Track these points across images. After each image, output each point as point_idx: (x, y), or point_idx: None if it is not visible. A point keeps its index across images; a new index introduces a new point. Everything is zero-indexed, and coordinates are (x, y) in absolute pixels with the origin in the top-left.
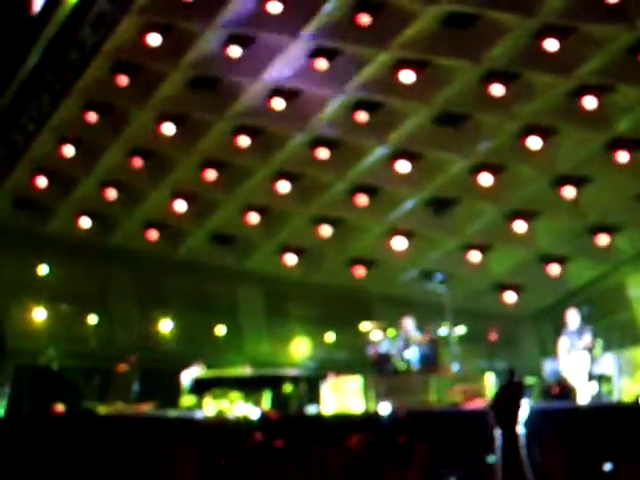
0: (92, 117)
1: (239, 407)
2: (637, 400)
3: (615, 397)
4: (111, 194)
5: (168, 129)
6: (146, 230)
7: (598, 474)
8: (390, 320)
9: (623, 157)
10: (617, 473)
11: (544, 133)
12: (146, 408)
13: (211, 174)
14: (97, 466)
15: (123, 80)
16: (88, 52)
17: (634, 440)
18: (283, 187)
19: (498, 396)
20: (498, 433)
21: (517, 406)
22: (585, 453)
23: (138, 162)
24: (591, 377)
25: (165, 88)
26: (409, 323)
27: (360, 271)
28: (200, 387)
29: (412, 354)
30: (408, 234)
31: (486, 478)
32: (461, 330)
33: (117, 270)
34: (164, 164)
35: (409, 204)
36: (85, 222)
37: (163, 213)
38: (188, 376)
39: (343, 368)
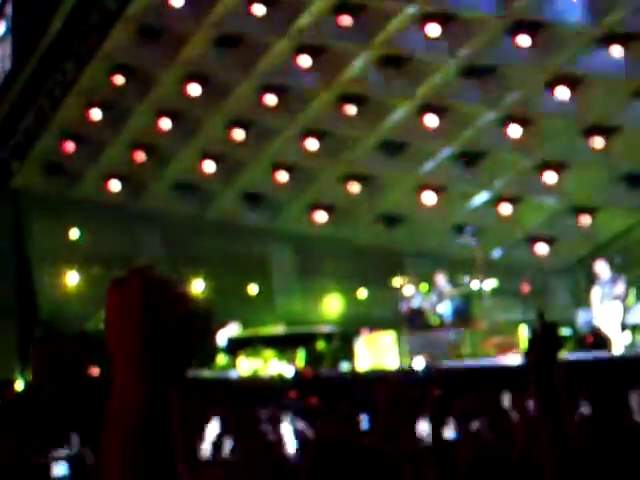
0: (118, 80)
1: (273, 365)
2: None
3: None
4: (139, 156)
5: (194, 89)
6: (175, 191)
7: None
8: (422, 275)
9: None
10: None
11: (572, 84)
12: None
13: (239, 133)
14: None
15: (148, 43)
16: (111, 16)
17: None
18: (311, 144)
19: (532, 342)
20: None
21: (554, 351)
22: (615, 404)
23: (165, 124)
24: (624, 327)
25: (189, 48)
26: (441, 278)
27: (391, 227)
28: (234, 346)
29: (445, 308)
30: (438, 189)
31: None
32: (493, 283)
33: (147, 232)
34: (191, 125)
35: (438, 158)
36: (114, 185)
37: (192, 174)
38: (224, 335)
39: (376, 324)
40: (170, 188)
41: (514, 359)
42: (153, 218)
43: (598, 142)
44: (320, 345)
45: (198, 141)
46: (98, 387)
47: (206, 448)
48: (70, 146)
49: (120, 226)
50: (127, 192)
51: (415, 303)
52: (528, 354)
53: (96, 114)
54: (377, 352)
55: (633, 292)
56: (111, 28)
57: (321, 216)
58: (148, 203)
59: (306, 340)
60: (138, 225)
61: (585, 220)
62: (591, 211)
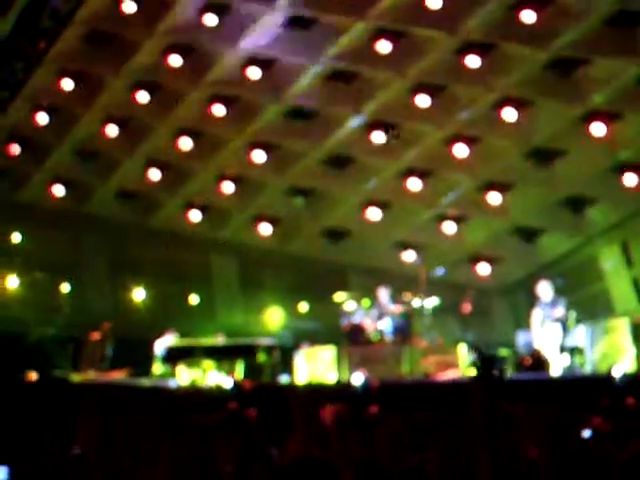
0: (66, 85)
1: (212, 376)
2: (609, 371)
3: (588, 369)
4: (85, 162)
5: (143, 97)
6: (120, 199)
7: (571, 444)
8: (364, 291)
9: (598, 130)
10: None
11: (519, 105)
12: (119, 376)
13: (186, 143)
14: (69, 433)
15: (98, 48)
16: (62, 20)
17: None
18: (258, 157)
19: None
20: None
21: (494, 383)
22: (558, 424)
23: (112, 130)
24: (563, 349)
25: (140, 56)
26: (383, 294)
27: (335, 241)
28: (173, 356)
29: (386, 325)
30: (383, 205)
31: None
32: (434, 301)
33: (90, 238)
34: (138, 133)
35: (384, 175)
36: (59, 190)
37: (137, 182)
38: (161, 345)
39: (317, 338)
40: (115, 195)
41: (453, 377)
42: (97, 224)
43: (542, 165)
44: (260, 357)
45: (145, 149)
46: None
47: None
48: (15, 149)
49: (63, 231)
50: (72, 197)
51: (356, 318)
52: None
53: (43, 118)
54: (317, 366)
55: (573, 315)
56: (62, 32)
57: (265, 228)
58: (92, 209)
59: (246, 352)
60: (81, 231)
61: (527, 241)
62: (534, 233)
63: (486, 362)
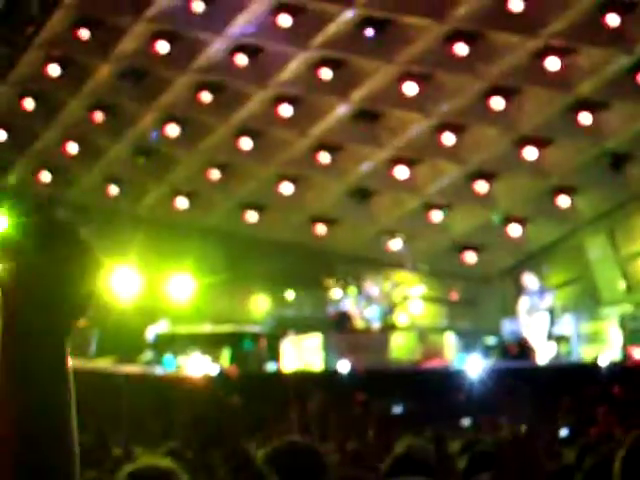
0: (53, 71)
1: (199, 363)
2: (596, 360)
3: (574, 357)
4: (71, 148)
5: (128, 84)
6: (107, 185)
7: (555, 435)
8: (351, 279)
9: (585, 119)
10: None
11: (507, 94)
12: (104, 364)
13: (173, 130)
14: None
15: (84, 34)
16: (49, 5)
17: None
18: (245, 144)
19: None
20: None
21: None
22: (542, 412)
23: (99, 117)
24: (550, 337)
25: (126, 42)
26: (370, 282)
27: (321, 229)
28: (161, 343)
29: (372, 313)
30: (369, 193)
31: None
32: (421, 290)
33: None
34: (125, 120)
35: (370, 163)
36: (45, 176)
37: (124, 169)
38: (153, 331)
39: (303, 326)
40: (102, 182)
41: (439, 365)
42: (82, 209)
43: (531, 153)
44: (247, 345)
45: (132, 135)
46: None
47: None
48: (1, 135)
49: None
50: (56, 183)
51: (343, 306)
52: None
53: (29, 104)
54: (303, 354)
55: (559, 304)
56: (49, 18)
57: (252, 216)
58: (77, 196)
59: (232, 339)
60: (71, 215)
61: (515, 230)
62: (521, 221)
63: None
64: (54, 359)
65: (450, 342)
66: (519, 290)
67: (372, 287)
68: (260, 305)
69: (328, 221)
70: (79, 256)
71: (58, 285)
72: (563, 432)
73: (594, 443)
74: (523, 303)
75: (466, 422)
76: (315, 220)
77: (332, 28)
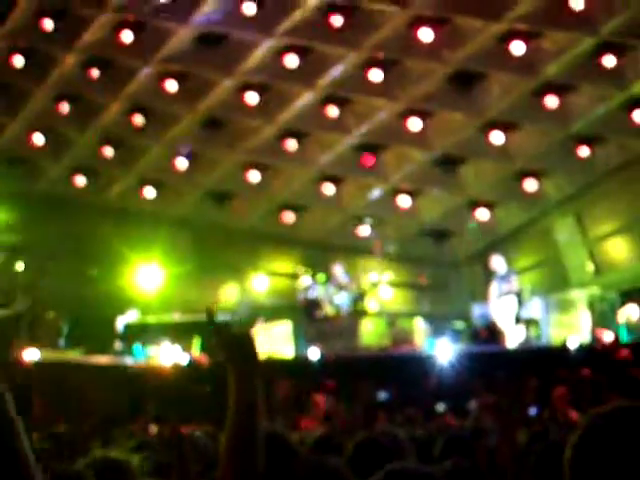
0: (17, 62)
1: (169, 353)
2: (565, 343)
3: (543, 340)
4: (38, 140)
5: (94, 74)
6: (73, 176)
7: (524, 417)
8: (320, 266)
9: (552, 102)
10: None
11: (473, 78)
12: (72, 355)
13: (139, 119)
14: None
15: (48, 24)
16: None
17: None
18: (211, 133)
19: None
20: None
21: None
22: (512, 395)
23: (64, 108)
24: (519, 321)
25: (91, 32)
26: (339, 269)
27: (289, 217)
28: (131, 333)
29: (341, 299)
30: (337, 180)
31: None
32: (390, 275)
33: (44, 217)
34: (91, 109)
35: (338, 150)
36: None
37: (90, 158)
38: (122, 321)
39: (273, 313)
40: (69, 172)
41: (409, 350)
42: (52, 202)
43: (497, 138)
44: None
45: (97, 126)
46: None
47: None
48: None
49: (20, 211)
50: (23, 176)
51: (312, 294)
52: None
53: None
54: (273, 341)
55: (527, 287)
56: (12, 8)
57: (219, 204)
58: (45, 187)
59: (202, 328)
60: (37, 209)
61: (482, 215)
62: (488, 206)
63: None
64: None
65: (420, 327)
66: (488, 274)
67: (341, 274)
68: (229, 294)
69: (296, 208)
70: None
71: None
72: (532, 411)
73: (544, 426)
74: (492, 287)
75: (440, 407)
76: (283, 208)
77: (297, 15)
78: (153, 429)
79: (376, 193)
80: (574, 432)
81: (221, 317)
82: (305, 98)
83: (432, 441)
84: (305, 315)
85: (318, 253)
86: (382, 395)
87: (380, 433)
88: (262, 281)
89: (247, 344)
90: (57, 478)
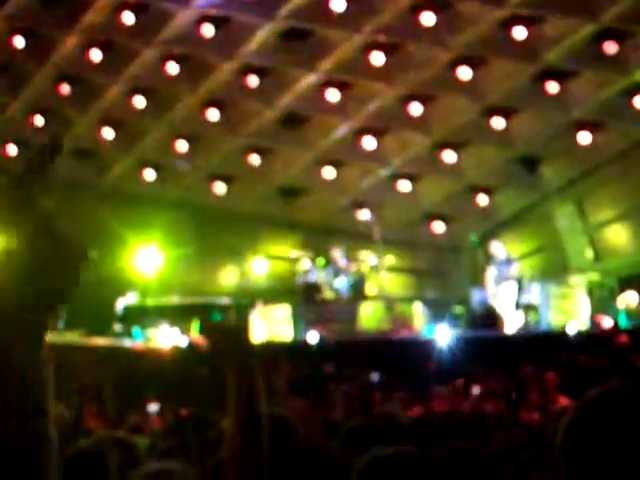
0: (18, 43)
1: (168, 335)
2: (564, 329)
3: (542, 326)
4: (38, 121)
5: (96, 55)
6: (73, 157)
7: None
8: (319, 249)
9: (552, 88)
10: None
11: (474, 64)
12: (71, 337)
13: (139, 101)
14: None
15: (50, 7)
16: None
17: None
18: (212, 115)
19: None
20: None
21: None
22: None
23: (65, 89)
24: (518, 306)
25: (92, 14)
26: (338, 252)
27: (289, 200)
28: (130, 315)
29: (341, 283)
30: (337, 163)
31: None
32: (390, 260)
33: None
34: (91, 91)
35: (339, 133)
36: (12, 149)
37: (90, 140)
38: (121, 304)
39: (272, 297)
40: (70, 152)
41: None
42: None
43: (498, 122)
44: (215, 316)
45: (98, 108)
46: None
47: None
48: None
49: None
50: (23, 157)
51: (311, 277)
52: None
53: None
54: (272, 325)
55: (527, 273)
56: None
57: (220, 187)
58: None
59: (201, 311)
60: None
61: (483, 200)
62: (488, 191)
63: None
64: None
65: (419, 312)
66: (487, 259)
67: (341, 258)
68: (228, 277)
69: (296, 192)
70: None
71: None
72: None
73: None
74: (491, 273)
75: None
76: (283, 191)
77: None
78: (153, 411)
79: (377, 177)
80: (565, 416)
81: (220, 301)
82: (306, 81)
83: (429, 424)
84: (304, 299)
85: (318, 237)
86: (375, 377)
87: (376, 415)
88: (262, 264)
89: (240, 338)
90: (76, 455)
